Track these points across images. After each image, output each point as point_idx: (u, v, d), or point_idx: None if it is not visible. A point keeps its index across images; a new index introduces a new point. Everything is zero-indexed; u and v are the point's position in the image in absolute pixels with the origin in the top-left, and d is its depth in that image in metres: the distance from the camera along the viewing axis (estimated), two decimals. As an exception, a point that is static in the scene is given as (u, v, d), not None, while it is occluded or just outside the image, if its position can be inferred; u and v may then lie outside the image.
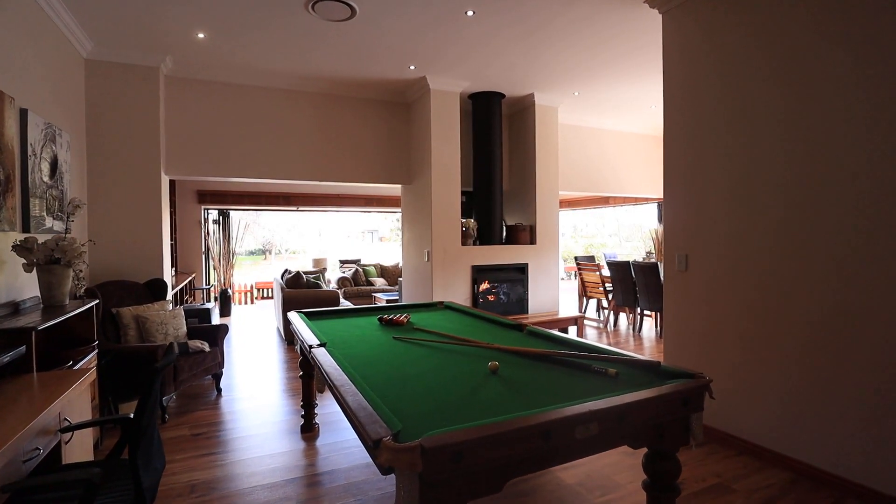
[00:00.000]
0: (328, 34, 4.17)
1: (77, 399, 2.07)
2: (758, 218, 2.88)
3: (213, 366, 4.15)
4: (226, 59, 4.70)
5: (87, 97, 4.33)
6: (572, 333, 5.96)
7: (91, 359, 3.03)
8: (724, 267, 3.09)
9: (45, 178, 3.38)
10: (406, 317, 3.27)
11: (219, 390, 4.28)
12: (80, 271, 2.88)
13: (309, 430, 3.37)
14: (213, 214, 9.53)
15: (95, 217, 4.35)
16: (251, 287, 11.56)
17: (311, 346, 2.41)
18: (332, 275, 11.01)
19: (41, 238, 2.98)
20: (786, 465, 2.74)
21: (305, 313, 3.49)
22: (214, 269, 9.28)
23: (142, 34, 4.12)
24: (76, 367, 2.74)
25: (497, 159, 6.00)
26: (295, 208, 9.70)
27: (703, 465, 2.81)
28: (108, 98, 4.41)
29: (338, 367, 2.02)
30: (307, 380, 3.31)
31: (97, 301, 3.22)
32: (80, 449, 2.08)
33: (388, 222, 24.48)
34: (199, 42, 4.28)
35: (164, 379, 3.58)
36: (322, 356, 2.21)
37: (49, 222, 3.42)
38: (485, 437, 1.29)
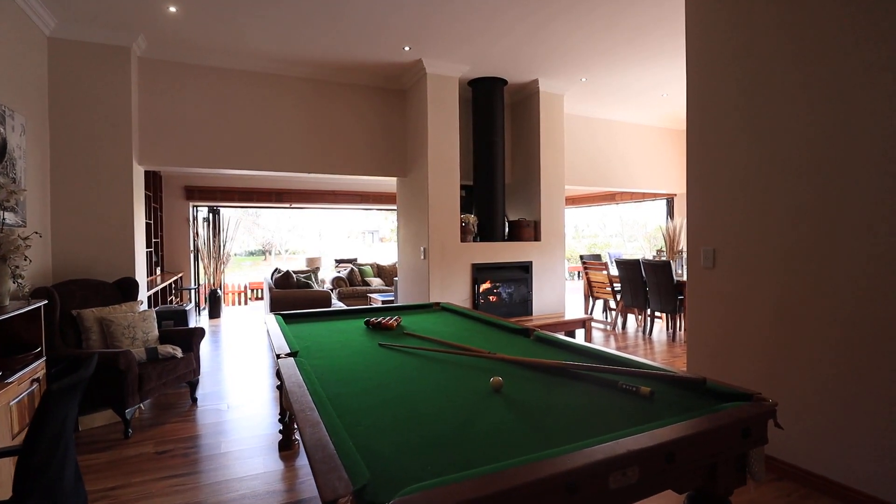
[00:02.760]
0: (315, 8, 3.79)
1: (-15, 422, 1.69)
2: (790, 209, 2.49)
3: (187, 373, 3.76)
4: (203, 38, 4.32)
5: (51, 79, 3.95)
6: (580, 337, 5.57)
7: (36, 368, 2.65)
8: (755, 262, 2.69)
9: (-9, 164, 3.01)
10: (396, 320, 2.89)
11: (194, 399, 3.89)
12: (18, 267, 2.49)
13: (288, 447, 2.99)
14: (204, 212, 9.15)
15: (59, 209, 3.96)
16: (244, 287, 11.17)
17: (278, 356, 2.02)
18: (328, 274, 10.64)
19: (-25, 230, 2.60)
20: (838, 494, 2.34)
21: (283, 316, 3.10)
22: (205, 269, 8.90)
23: (110, 10, 3.74)
24: (11, 379, 2.36)
25: (499, 150, 5.61)
26: (288, 205, 9.32)
27: (739, 493, 2.41)
28: (75, 80, 4.02)
29: (303, 383, 1.63)
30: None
31: (46, 302, 2.84)
32: (-11, 483, 1.70)
33: (389, 223, 24.09)
34: (172, 17, 3.90)
35: (127, 389, 3.20)
36: (288, 368, 1.82)
37: (-4, 213, 3.05)
38: (484, 498, 0.90)
